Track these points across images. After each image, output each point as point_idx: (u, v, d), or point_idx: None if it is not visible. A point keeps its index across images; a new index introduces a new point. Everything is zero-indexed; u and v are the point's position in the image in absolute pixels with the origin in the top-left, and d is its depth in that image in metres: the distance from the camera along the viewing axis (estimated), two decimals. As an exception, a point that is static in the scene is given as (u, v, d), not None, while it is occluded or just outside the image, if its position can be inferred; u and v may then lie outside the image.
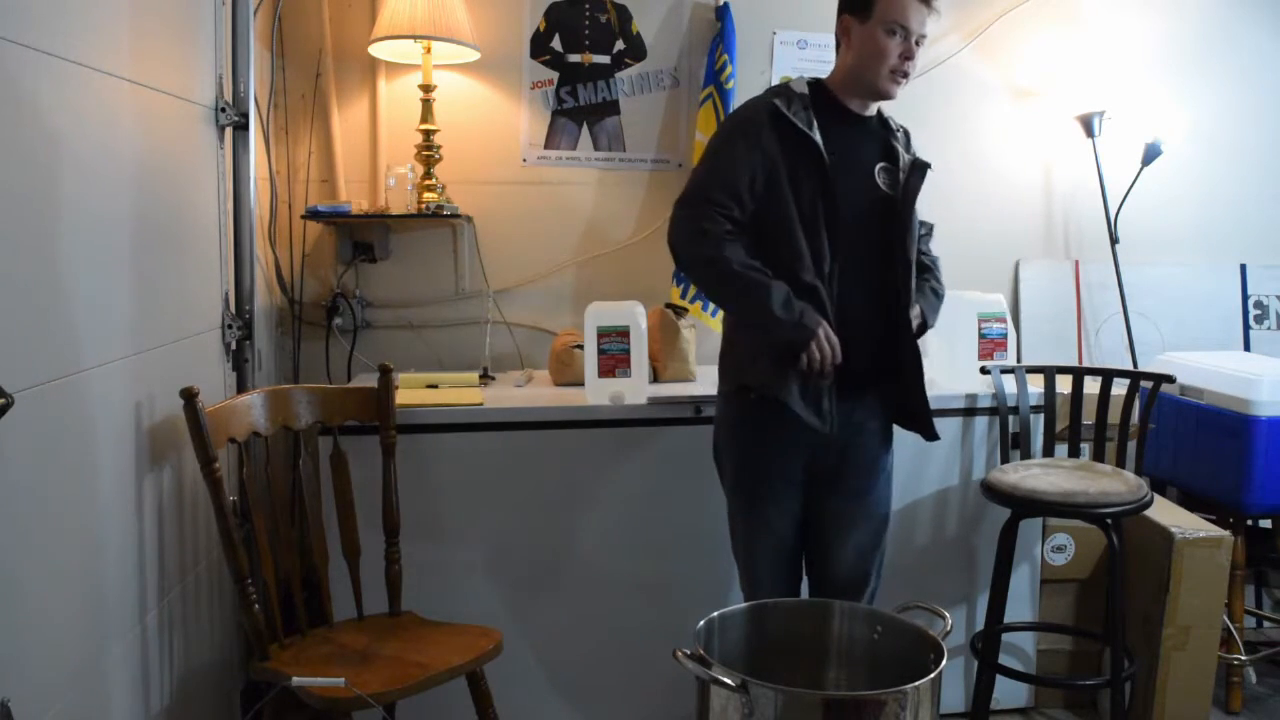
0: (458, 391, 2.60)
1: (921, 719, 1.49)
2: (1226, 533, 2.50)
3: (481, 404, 2.48)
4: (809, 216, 2.02)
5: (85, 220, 1.65)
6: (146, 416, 1.89)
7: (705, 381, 2.61)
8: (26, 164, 1.47)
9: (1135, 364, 3.26)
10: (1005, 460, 2.61)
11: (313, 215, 2.82)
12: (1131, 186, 3.29)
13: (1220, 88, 3.38)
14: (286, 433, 2.15)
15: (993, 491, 2.38)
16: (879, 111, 2.16)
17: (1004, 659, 2.60)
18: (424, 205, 2.81)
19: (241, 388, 2.41)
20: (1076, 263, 3.37)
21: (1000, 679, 2.48)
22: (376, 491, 2.24)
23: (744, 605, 1.80)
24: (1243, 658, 2.75)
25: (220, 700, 2.31)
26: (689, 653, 1.53)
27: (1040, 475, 2.36)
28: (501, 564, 2.49)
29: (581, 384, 2.55)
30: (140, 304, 1.86)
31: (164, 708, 1.97)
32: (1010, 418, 2.61)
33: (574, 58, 3.06)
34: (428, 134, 2.82)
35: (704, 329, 2.94)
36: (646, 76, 3.10)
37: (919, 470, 2.62)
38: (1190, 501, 2.85)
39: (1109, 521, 2.27)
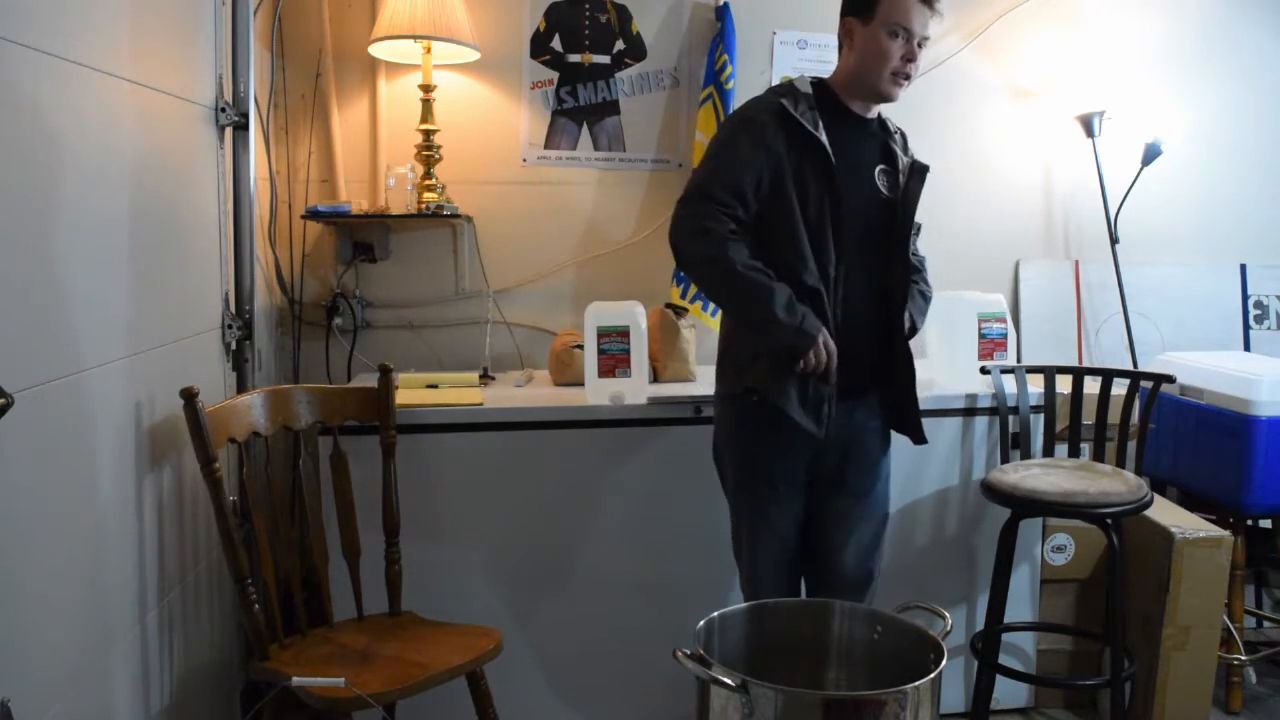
0: (458, 391, 2.59)
1: (921, 719, 1.49)
2: (1226, 533, 2.50)
3: (481, 404, 2.48)
4: (814, 218, 2.01)
5: (85, 220, 1.65)
6: (146, 416, 1.89)
7: (705, 381, 2.60)
8: (26, 164, 1.47)
9: (1135, 364, 3.26)
10: (1005, 460, 2.61)
11: (313, 215, 2.82)
12: (1131, 186, 3.29)
13: (1220, 88, 3.38)
14: (286, 433, 2.15)
15: (993, 491, 2.38)
16: (878, 113, 2.16)
17: (1004, 659, 2.60)
18: (424, 205, 2.81)
19: (241, 388, 2.41)
20: (1076, 263, 3.37)
21: (1000, 679, 2.48)
22: (376, 491, 2.24)
23: (744, 605, 1.81)
24: (1243, 658, 2.75)
25: (220, 700, 2.31)
26: (689, 653, 1.53)
27: (1040, 475, 2.36)
28: (501, 564, 2.49)
29: (581, 384, 2.55)
30: (140, 304, 1.86)
31: (164, 707, 1.97)
32: (1010, 418, 2.61)
33: (574, 58, 3.06)
34: (428, 134, 2.82)
35: (704, 329, 2.94)
36: (646, 76, 3.10)
37: (919, 470, 2.62)
38: (1190, 501, 2.85)
39: (1109, 521, 2.27)
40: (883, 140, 2.15)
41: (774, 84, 2.24)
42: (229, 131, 2.35)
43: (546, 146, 3.08)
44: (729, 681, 1.48)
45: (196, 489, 2.10)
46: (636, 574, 2.52)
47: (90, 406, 1.66)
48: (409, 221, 2.96)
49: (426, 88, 2.81)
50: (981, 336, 2.68)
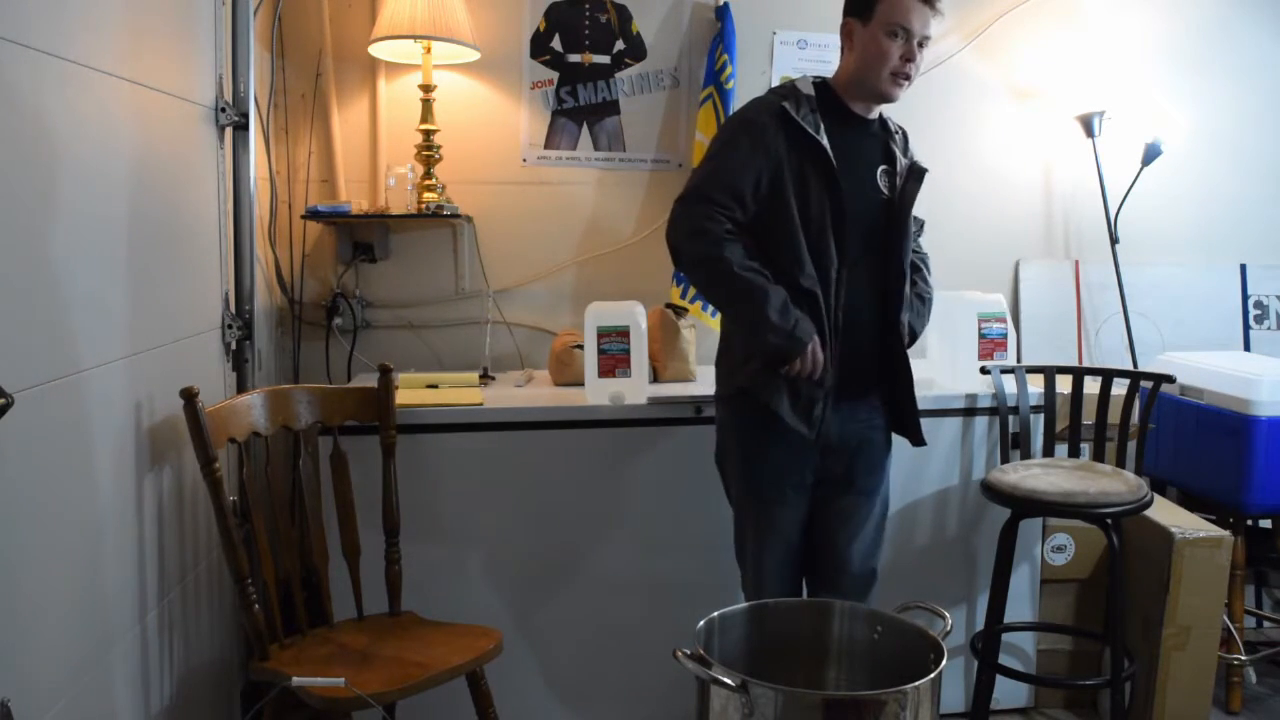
0: (458, 391, 2.59)
1: (921, 719, 1.49)
2: (1226, 533, 2.50)
3: (481, 404, 2.48)
4: (815, 220, 2.01)
5: (85, 220, 1.65)
6: (146, 416, 1.89)
7: (705, 381, 2.60)
8: (26, 164, 1.47)
9: (1135, 364, 3.26)
10: (1005, 460, 2.61)
11: (313, 215, 2.82)
12: (1131, 186, 3.29)
13: (1220, 88, 3.38)
14: (286, 433, 2.15)
15: (993, 491, 2.38)
16: (879, 114, 2.16)
17: (1004, 659, 2.60)
18: (424, 205, 2.81)
19: (241, 388, 2.41)
20: (1076, 263, 3.37)
21: (1000, 679, 2.48)
22: (376, 491, 2.24)
23: (744, 605, 1.80)
24: (1243, 658, 2.75)
25: (220, 700, 2.31)
26: (689, 653, 1.53)
27: (1040, 475, 2.36)
28: (501, 564, 2.49)
29: (581, 384, 2.55)
30: (140, 304, 1.86)
31: (164, 707, 1.97)
32: (1010, 418, 2.61)
33: (574, 58, 3.06)
34: (428, 134, 2.82)
35: (704, 329, 2.94)
36: (646, 76, 3.10)
37: (919, 470, 2.62)
38: (1190, 501, 2.85)
39: (1109, 521, 2.27)
40: (884, 141, 2.15)
41: (775, 84, 2.24)
42: (229, 131, 2.35)
43: (546, 146, 3.08)
44: (729, 681, 1.48)
45: (196, 489, 2.10)
46: (636, 574, 2.52)
47: (90, 406, 1.66)
48: (409, 221, 2.96)
49: (426, 88, 2.81)
50: (981, 336, 2.68)
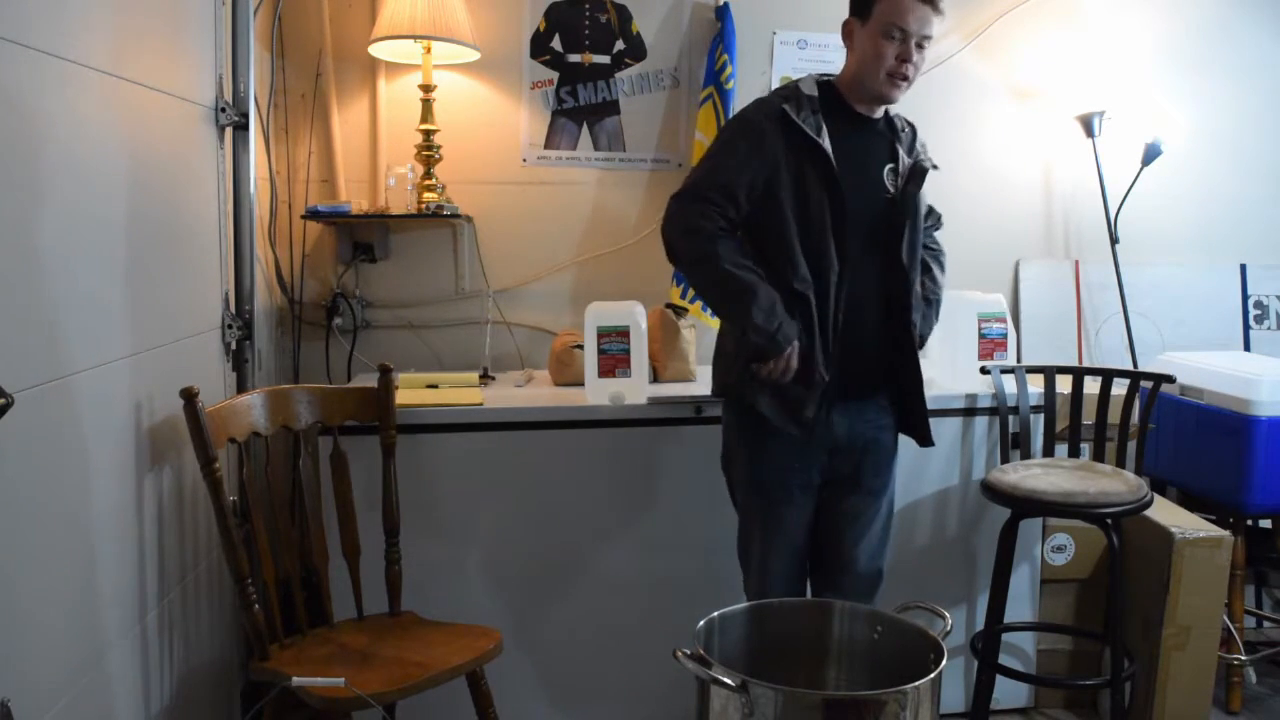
0: (458, 391, 2.59)
1: (921, 719, 1.49)
2: (1226, 533, 2.50)
3: (481, 404, 2.48)
4: (815, 221, 2.01)
5: (85, 220, 1.65)
6: (146, 416, 1.89)
7: (705, 381, 2.59)
8: (26, 164, 1.47)
9: (1135, 364, 3.26)
10: (1005, 460, 2.61)
11: (313, 215, 2.82)
12: (1131, 186, 3.29)
13: (1220, 88, 3.38)
14: (286, 433, 2.15)
15: (993, 491, 2.38)
16: (885, 112, 2.15)
17: (1004, 659, 2.60)
18: (424, 205, 2.81)
19: (241, 388, 2.41)
20: (1076, 263, 3.37)
21: (1000, 679, 2.48)
22: (376, 491, 2.24)
23: (744, 605, 1.80)
24: (1243, 658, 2.75)
25: (220, 700, 2.31)
26: (689, 653, 1.53)
27: (1040, 475, 2.36)
28: (501, 564, 2.49)
29: (581, 384, 2.55)
30: (140, 304, 1.86)
31: (164, 708, 1.97)
32: (1010, 418, 2.61)
33: (574, 58, 3.06)
34: (428, 134, 2.82)
35: (704, 329, 2.94)
36: (646, 76, 3.10)
37: (919, 470, 2.62)
38: (1190, 501, 2.85)
39: (1109, 521, 2.27)
40: (890, 139, 2.14)
41: (775, 84, 2.24)
42: (229, 131, 2.35)
43: (546, 146, 3.08)
44: (729, 681, 1.48)
45: (196, 489, 2.10)
46: (636, 574, 2.52)
47: (90, 407, 1.66)
48: (409, 221, 2.96)
49: (426, 88, 2.81)
50: (981, 336, 2.68)
